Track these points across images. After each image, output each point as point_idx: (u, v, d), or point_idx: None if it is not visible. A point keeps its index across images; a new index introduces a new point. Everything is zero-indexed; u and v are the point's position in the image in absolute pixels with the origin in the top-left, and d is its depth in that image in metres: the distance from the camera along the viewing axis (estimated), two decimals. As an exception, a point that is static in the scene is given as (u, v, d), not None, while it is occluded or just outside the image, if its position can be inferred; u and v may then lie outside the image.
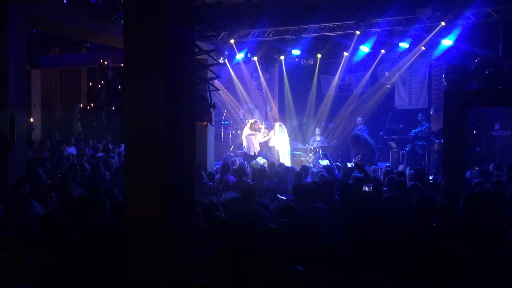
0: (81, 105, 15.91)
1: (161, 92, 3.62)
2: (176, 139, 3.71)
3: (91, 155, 12.03)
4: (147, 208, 3.65)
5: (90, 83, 15.48)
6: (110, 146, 12.47)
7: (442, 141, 11.71)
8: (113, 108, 12.57)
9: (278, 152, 12.82)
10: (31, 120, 13.95)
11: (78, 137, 14.31)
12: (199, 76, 4.18)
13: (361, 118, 14.01)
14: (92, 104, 13.09)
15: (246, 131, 12.95)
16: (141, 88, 3.72)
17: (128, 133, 3.81)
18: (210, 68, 4.94)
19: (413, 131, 13.08)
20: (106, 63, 10.70)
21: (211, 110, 4.32)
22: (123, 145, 11.58)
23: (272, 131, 12.93)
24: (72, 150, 12.44)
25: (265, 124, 14.14)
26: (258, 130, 12.87)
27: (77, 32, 10.60)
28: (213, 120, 6.15)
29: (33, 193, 6.28)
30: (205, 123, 4.38)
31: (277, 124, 12.85)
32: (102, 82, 11.03)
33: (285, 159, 12.31)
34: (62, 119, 16.53)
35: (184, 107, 3.83)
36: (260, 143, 12.96)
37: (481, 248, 4.03)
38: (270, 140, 12.89)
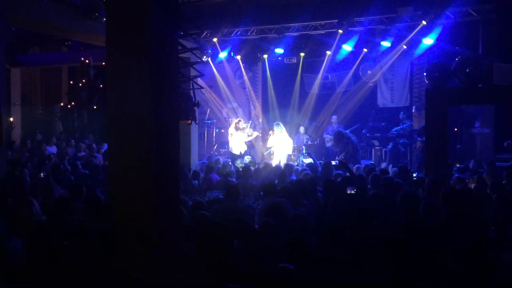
0: (62, 104, 15.69)
1: (147, 90, 3.58)
2: (162, 137, 3.68)
3: (73, 155, 11.87)
4: (135, 207, 3.61)
5: (71, 82, 15.26)
6: (94, 146, 12.33)
7: (424, 139, 11.86)
8: (95, 107, 12.45)
9: (264, 151, 12.75)
10: (11, 119, 13.71)
11: (59, 137, 14.12)
12: (183, 74, 4.15)
13: (336, 117, 14.08)
14: (73, 103, 12.92)
15: (231, 130, 12.89)
16: (126, 86, 3.68)
17: (113, 131, 3.76)
18: (194, 66, 4.90)
19: (395, 129, 13.20)
20: (87, 61, 10.61)
21: (195, 108, 4.29)
22: (106, 145, 11.47)
23: (270, 132, 12.64)
24: (52, 149, 12.27)
25: (250, 122, 14.08)
26: (242, 129, 12.80)
27: (58, 30, 10.46)
28: (197, 118, 6.10)
29: (16, 194, 6.17)
30: (189, 121, 4.35)
31: (275, 125, 12.58)
32: (84, 80, 10.93)
33: (281, 160, 12.00)
34: (42, 118, 16.29)
35: (170, 105, 3.80)
36: (245, 142, 12.91)
37: (463, 245, 4.08)
38: (269, 141, 12.72)
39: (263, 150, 13.90)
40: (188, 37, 6.09)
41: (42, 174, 8.83)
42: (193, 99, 4.31)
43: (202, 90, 14.89)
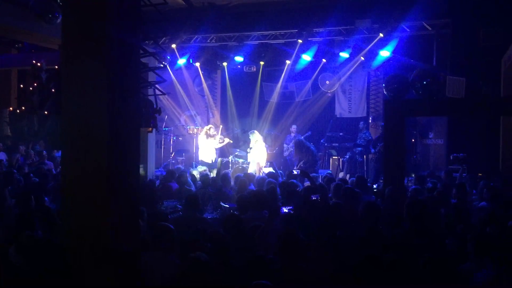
0: (11, 108, 14.95)
1: (103, 95, 3.40)
2: (119, 144, 3.49)
3: (21, 162, 11.32)
4: (89, 219, 3.40)
5: (22, 85, 14.59)
6: (44, 152, 11.79)
7: (376, 150, 12.04)
8: (46, 112, 11.89)
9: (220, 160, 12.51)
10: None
11: (6, 143, 13.41)
12: (144, 79, 3.98)
13: (295, 126, 14.13)
14: (23, 108, 12.34)
15: (202, 137, 12.61)
16: (81, 91, 3.48)
17: (67, 137, 3.55)
18: (155, 71, 4.73)
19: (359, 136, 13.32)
20: (39, 64, 10.13)
21: (157, 115, 4.12)
22: (59, 151, 10.97)
23: (254, 141, 12.02)
24: (0, 156, 11.65)
25: (221, 128, 13.84)
26: (213, 136, 12.57)
27: (8, 31, 9.99)
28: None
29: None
30: (150, 129, 4.16)
31: (250, 134, 12.09)
32: (35, 84, 10.39)
33: (256, 171, 11.35)
34: (-12, 123, 15.46)
35: (128, 111, 3.62)
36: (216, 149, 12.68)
37: (425, 256, 4.10)
38: (249, 154, 12.33)
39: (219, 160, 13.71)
40: (148, 41, 5.91)
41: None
42: (155, 106, 4.13)
43: (160, 97, 14.58)
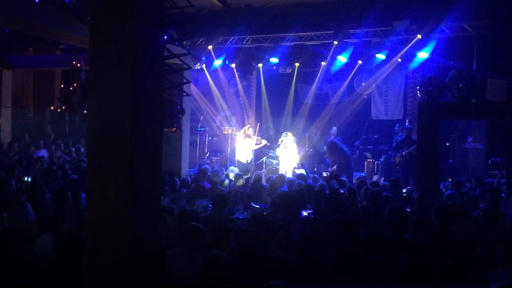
0: (52, 107, 15.53)
1: (127, 94, 3.48)
2: (142, 143, 3.57)
3: (63, 159, 11.73)
4: (110, 215, 3.49)
5: (62, 85, 15.13)
6: (82, 150, 12.18)
7: (403, 153, 11.74)
8: (85, 112, 12.30)
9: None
10: (0, 121, 13.61)
11: (47, 140, 13.94)
12: (169, 80, 4.05)
13: (336, 128, 14.00)
14: (63, 107, 12.81)
15: (240, 137, 12.69)
16: (107, 91, 3.58)
17: (93, 135, 3.66)
18: (184, 73, 4.81)
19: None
20: (79, 65, 10.48)
21: (180, 116, 4.18)
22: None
23: (281, 141, 12.02)
24: (41, 153, 12.11)
25: (258, 126, 13.89)
26: (251, 136, 12.64)
27: (50, 33, 10.33)
28: (182, 126, 5.97)
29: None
30: (174, 129, 4.23)
31: (283, 135, 12.10)
32: (74, 84, 10.79)
33: (287, 172, 11.33)
34: (33, 121, 16.12)
35: (152, 111, 3.70)
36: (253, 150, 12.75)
37: (452, 261, 4.00)
38: (276, 151, 12.36)
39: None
40: (177, 43, 6.01)
41: (27, 178, 8.67)
42: (179, 106, 4.20)
43: (196, 97, 14.82)
